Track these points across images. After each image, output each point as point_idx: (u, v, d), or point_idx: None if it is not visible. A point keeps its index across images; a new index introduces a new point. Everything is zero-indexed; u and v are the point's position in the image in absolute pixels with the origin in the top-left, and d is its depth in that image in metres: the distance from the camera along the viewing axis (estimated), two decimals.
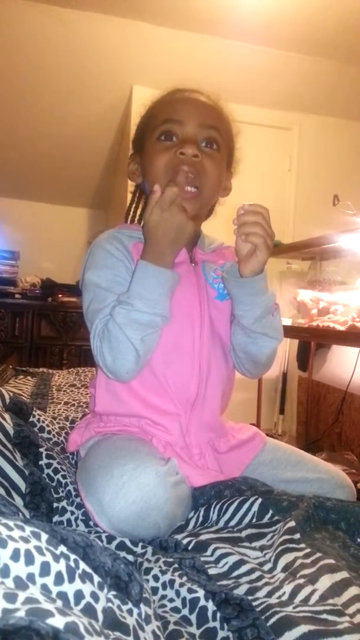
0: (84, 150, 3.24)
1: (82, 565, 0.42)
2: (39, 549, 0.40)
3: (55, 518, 0.75)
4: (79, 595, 0.40)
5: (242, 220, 0.82)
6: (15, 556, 0.38)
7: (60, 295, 3.41)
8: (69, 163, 3.34)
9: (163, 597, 0.54)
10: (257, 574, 0.58)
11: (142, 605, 0.45)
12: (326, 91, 2.93)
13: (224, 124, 0.92)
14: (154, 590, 0.54)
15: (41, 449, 0.88)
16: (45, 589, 0.38)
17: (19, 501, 0.72)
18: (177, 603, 0.52)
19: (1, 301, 3.27)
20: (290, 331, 2.03)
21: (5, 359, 3.10)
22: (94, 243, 0.92)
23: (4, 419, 0.87)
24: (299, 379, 2.92)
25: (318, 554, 0.60)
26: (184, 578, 0.54)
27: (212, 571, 0.59)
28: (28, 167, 3.37)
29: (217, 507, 0.76)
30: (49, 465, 0.87)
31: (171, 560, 0.59)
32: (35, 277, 3.50)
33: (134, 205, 1.03)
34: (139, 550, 0.66)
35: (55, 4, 2.41)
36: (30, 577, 0.38)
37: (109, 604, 0.42)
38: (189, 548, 0.66)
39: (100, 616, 0.40)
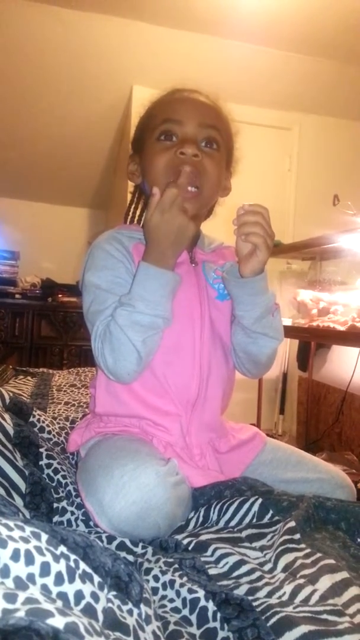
0: (84, 150, 3.24)
1: (82, 566, 0.42)
2: (39, 549, 0.40)
3: (56, 518, 0.75)
4: (79, 596, 0.40)
5: (242, 220, 0.81)
6: (15, 556, 0.38)
7: (60, 295, 3.41)
8: (69, 163, 3.34)
9: (163, 597, 0.54)
10: (257, 574, 0.58)
11: (142, 606, 0.45)
12: (326, 91, 2.93)
13: (223, 124, 0.92)
14: (154, 591, 0.54)
15: (41, 449, 0.88)
16: (45, 589, 0.38)
17: (19, 501, 0.71)
18: (178, 603, 0.52)
19: (1, 301, 3.27)
20: (290, 331, 2.03)
21: (5, 359, 3.10)
22: (93, 244, 0.92)
23: (4, 419, 0.87)
24: (299, 379, 2.92)
25: (318, 554, 0.60)
26: (184, 578, 0.54)
27: (212, 571, 0.59)
28: (28, 167, 3.37)
29: (218, 507, 0.76)
30: (49, 466, 0.87)
31: (171, 560, 0.59)
32: (35, 277, 3.50)
33: (133, 206, 1.03)
34: (139, 550, 0.66)
35: (55, 4, 2.42)
36: (30, 578, 0.38)
37: (109, 604, 0.42)
38: (189, 548, 0.66)
39: (101, 616, 0.40)
